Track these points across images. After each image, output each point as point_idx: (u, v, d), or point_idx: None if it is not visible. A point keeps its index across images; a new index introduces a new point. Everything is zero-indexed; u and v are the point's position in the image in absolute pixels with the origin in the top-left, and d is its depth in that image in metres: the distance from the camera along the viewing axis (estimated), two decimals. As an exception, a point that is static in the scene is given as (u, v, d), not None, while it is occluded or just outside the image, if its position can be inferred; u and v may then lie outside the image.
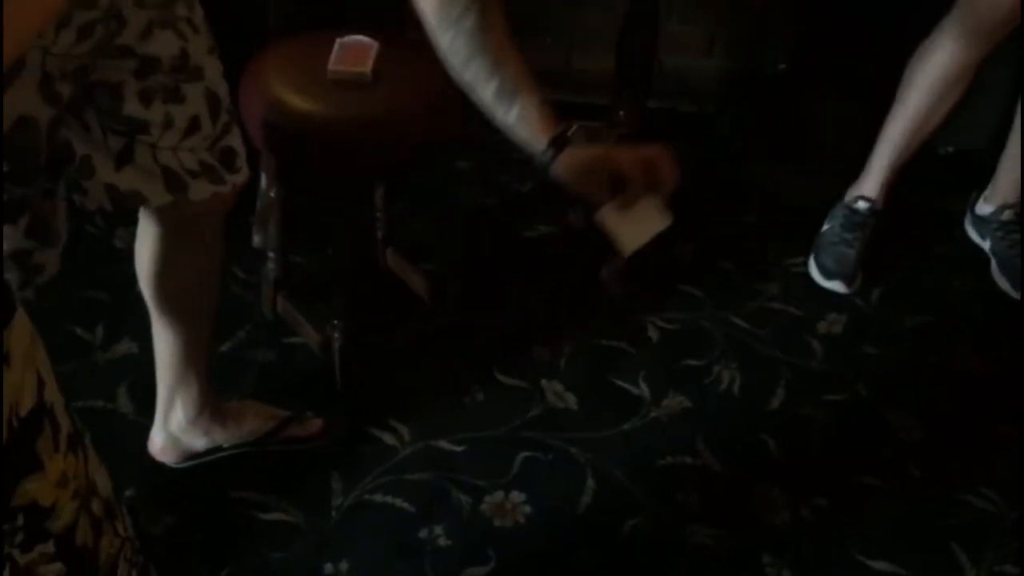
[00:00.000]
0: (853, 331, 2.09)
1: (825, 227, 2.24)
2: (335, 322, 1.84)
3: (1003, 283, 2.21)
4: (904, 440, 1.88)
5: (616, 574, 1.66)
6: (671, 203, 1.20)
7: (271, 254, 1.94)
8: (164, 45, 1.27)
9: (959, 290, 2.21)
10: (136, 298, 1.61)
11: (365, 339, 1.88)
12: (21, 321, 0.80)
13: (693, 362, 2.00)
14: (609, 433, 1.85)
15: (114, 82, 1.26)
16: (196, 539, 1.64)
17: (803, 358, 2.03)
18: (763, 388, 1.96)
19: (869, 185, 2.21)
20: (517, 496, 1.73)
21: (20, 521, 0.81)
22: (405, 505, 1.71)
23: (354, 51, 1.74)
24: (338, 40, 1.75)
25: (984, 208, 2.30)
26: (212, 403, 1.68)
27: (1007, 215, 2.25)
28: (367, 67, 1.70)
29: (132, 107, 1.28)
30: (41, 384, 0.82)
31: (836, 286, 2.17)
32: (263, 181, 1.92)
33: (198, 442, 1.69)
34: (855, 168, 2.23)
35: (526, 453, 1.80)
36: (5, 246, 1.24)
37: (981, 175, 2.31)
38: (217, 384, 1.73)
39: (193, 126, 1.34)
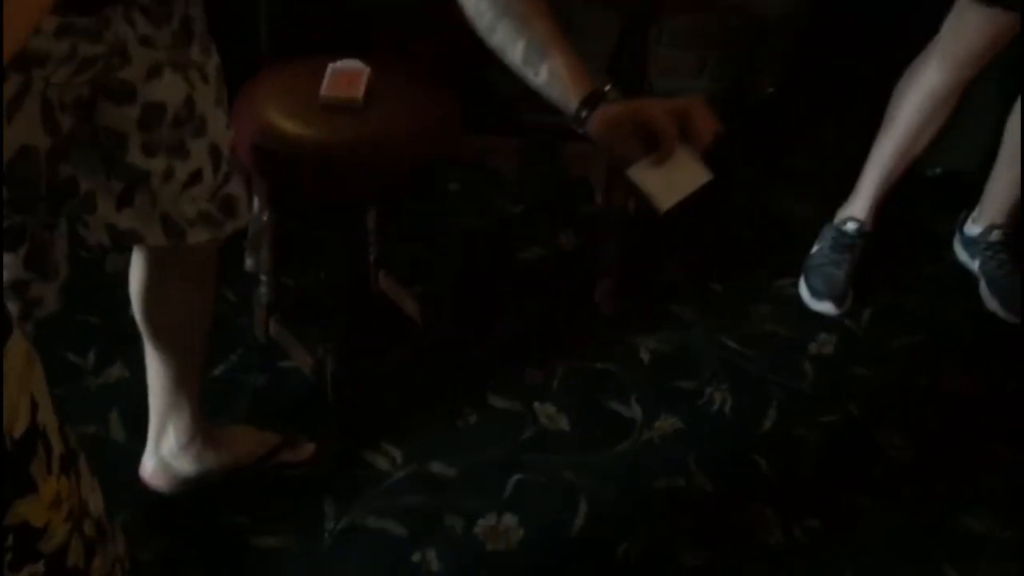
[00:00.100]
0: (844, 352, 2.10)
1: (815, 249, 2.26)
2: (328, 345, 1.84)
3: (992, 303, 2.23)
4: (895, 460, 1.89)
5: (610, 597, 1.66)
6: (711, 156, 1.12)
7: (263, 277, 1.94)
8: (170, 90, 1.27)
9: (948, 311, 2.22)
10: (128, 323, 1.61)
11: (358, 362, 1.88)
12: (17, 343, 0.80)
13: (685, 383, 2.01)
14: (602, 455, 1.86)
15: (119, 131, 1.26)
16: (188, 564, 1.64)
17: (794, 379, 2.04)
18: (755, 409, 1.96)
19: (858, 207, 2.23)
20: (510, 519, 1.73)
21: (10, 541, 0.81)
22: (398, 529, 1.70)
23: (346, 76, 1.75)
24: (330, 65, 1.76)
25: (973, 229, 2.31)
26: (204, 428, 1.68)
27: (995, 236, 2.27)
28: (359, 92, 1.71)
29: (135, 157, 1.28)
30: (35, 406, 0.82)
31: (826, 307, 2.18)
32: (255, 205, 1.92)
33: (190, 467, 1.69)
34: (844, 190, 2.25)
35: (519, 476, 1.80)
36: (5, 275, 1.24)
37: (969, 196, 2.33)
38: (210, 408, 1.73)
39: (194, 179, 1.34)
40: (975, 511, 1.80)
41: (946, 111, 2.09)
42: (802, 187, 2.43)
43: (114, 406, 1.85)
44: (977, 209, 2.31)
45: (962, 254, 2.34)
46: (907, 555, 1.73)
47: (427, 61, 2.11)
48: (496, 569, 1.65)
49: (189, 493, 1.70)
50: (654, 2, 2.09)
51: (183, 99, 1.29)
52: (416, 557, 1.66)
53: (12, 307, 1.29)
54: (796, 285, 2.23)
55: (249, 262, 2.04)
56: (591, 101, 1.09)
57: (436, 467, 1.80)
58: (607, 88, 1.11)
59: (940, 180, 2.50)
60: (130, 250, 1.52)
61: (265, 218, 1.88)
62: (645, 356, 2.06)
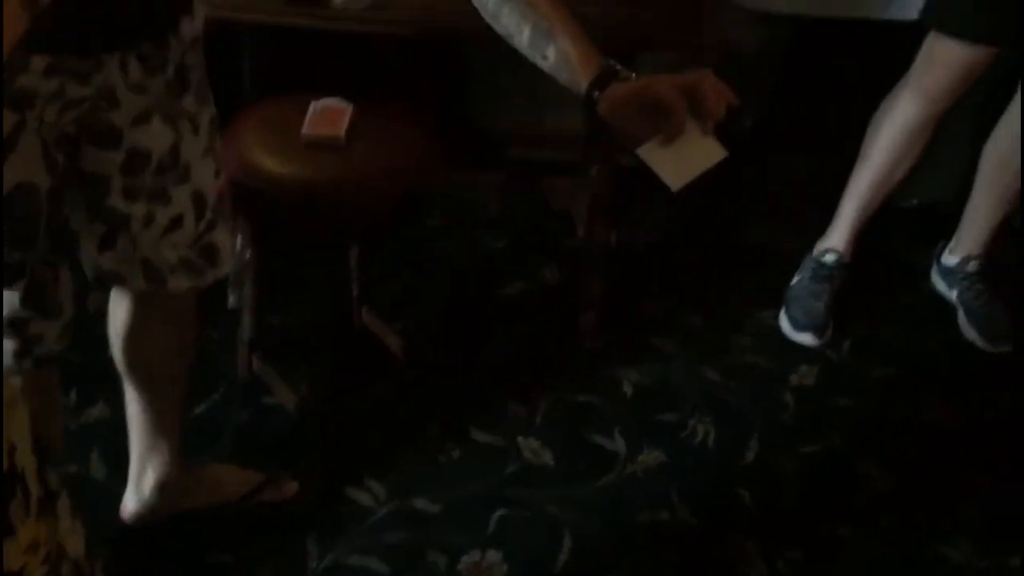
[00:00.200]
0: (824, 383, 2.12)
1: (794, 280, 2.28)
2: (311, 382, 1.84)
3: (970, 333, 2.25)
4: (875, 491, 1.90)
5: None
6: (725, 132, 1.08)
7: (246, 314, 1.95)
8: (157, 138, 1.27)
9: (926, 341, 2.24)
10: (110, 361, 1.61)
11: (341, 398, 1.88)
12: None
13: (668, 416, 2.02)
14: (586, 489, 1.86)
15: (102, 174, 1.26)
16: (170, 604, 1.63)
17: (776, 411, 2.05)
18: (737, 441, 1.97)
19: (836, 238, 2.25)
20: (494, 555, 1.73)
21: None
22: (381, 567, 1.70)
23: (328, 114, 1.77)
24: (313, 103, 1.78)
25: (950, 259, 2.34)
26: (185, 467, 1.68)
27: (972, 266, 2.29)
28: (341, 130, 1.73)
29: (116, 200, 1.29)
30: (12, 449, 0.83)
31: (806, 338, 2.20)
32: (238, 243, 1.93)
33: (171, 507, 1.68)
34: (823, 222, 2.28)
35: (502, 511, 1.80)
36: (4, 311, 1.24)
37: (946, 227, 2.36)
38: (192, 445, 1.73)
39: (175, 224, 1.34)
40: (954, 541, 1.81)
41: (921, 143, 2.12)
42: (781, 219, 2.45)
43: (95, 445, 1.84)
44: (954, 239, 2.34)
45: (940, 284, 2.36)
46: (888, 586, 1.74)
47: (409, 98, 2.13)
48: (480, 606, 1.65)
49: (171, 532, 1.70)
50: (632, 40, 2.12)
51: (169, 147, 1.29)
52: (400, 594, 1.66)
53: (9, 343, 1.29)
54: (777, 316, 2.25)
55: (232, 299, 2.04)
56: (600, 82, 1.06)
57: (419, 503, 1.80)
58: (618, 67, 1.07)
59: (917, 211, 2.53)
60: (108, 287, 1.52)
61: (248, 255, 1.89)
62: (628, 389, 2.07)
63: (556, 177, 2.40)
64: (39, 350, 1.30)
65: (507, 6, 1.08)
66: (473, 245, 2.39)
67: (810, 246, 2.28)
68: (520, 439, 1.94)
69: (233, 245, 1.45)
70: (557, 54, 1.07)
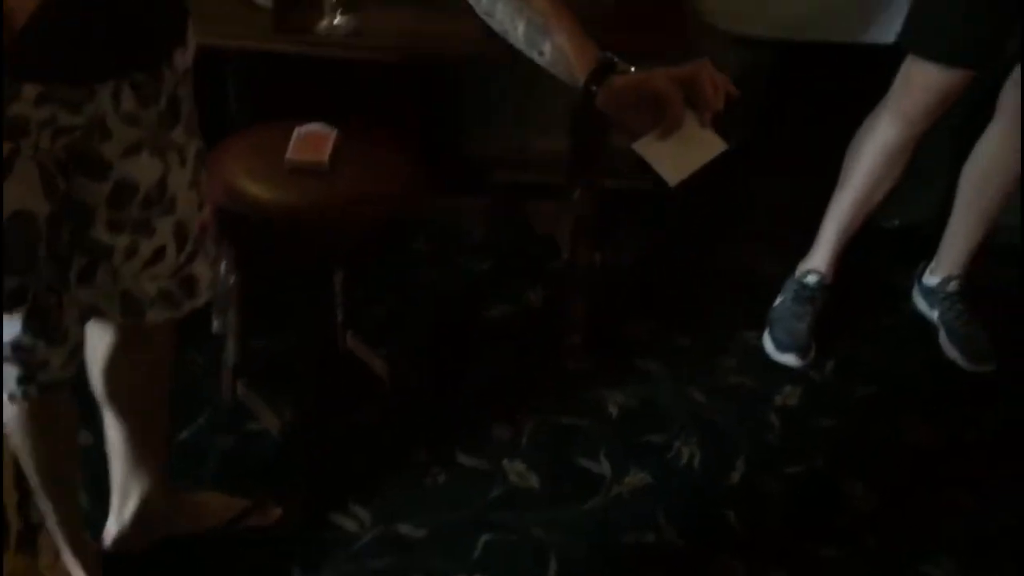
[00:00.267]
0: (808, 403, 2.13)
1: (777, 301, 2.29)
2: (295, 407, 1.84)
3: (952, 352, 2.27)
4: (859, 510, 1.90)
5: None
6: (724, 124, 1.06)
7: (231, 340, 1.94)
8: (146, 171, 1.27)
9: (908, 360, 2.25)
10: (90, 389, 1.61)
11: (325, 423, 1.88)
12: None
13: (654, 437, 2.02)
14: (572, 512, 1.86)
15: (88, 205, 1.26)
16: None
17: (761, 431, 2.06)
18: (723, 462, 1.98)
19: (818, 260, 2.27)
20: (480, 580, 1.73)
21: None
22: (366, 593, 1.69)
23: (312, 140, 1.78)
24: (297, 128, 1.79)
25: (931, 279, 2.36)
26: (168, 494, 1.67)
27: (953, 286, 2.31)
28: (324, 156, 1.74)
29: (100, 232, 1.28)
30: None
31: (790, 359, 2.21)
32: (223, 268, 1.93)
33: (154, 534, 1.67)
34: (805, 243, 2.30)
35: (488, 535, 1.80)
36: (5, 337, 1.23)
37: (926, 247, 2.38)
38: (177, 471, 1.72)
39: (157, 256, 1.34)
40: (936, 559, 1.82)
41: (900, 165, 2.15)
42: (764, 241, 2.47)
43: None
44: (935, 260, 2.36)
45: (921, 304, 2.38)
46: (873, 605, 1.74)
47: (393, 123, 2.14)
48: (466, 630, 1.65)
49: (154, 559, 1.68)
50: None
51: (157, 180, 1.28)
52: (385, 620, 1.65)
53: (13, 369, 1.28)
54: (761, 337, 2.26)
55: (216, 324, 2.04)
56: (598, 75, 1.05)
57: (404, 528, 1.80)
58: (615, 60, 1.06)
59: (898, 232, 2.55)
60: (87, 320, 1.51)
61: (232, 280, 1.89)
62: (613, 410, 2.07)
63: (540, 201, 2.42)
64: (43, 376, 1.29)
65: (500, 5, 1.07)
66: (458, 269, 2.40)
67: (793, 267, 2.30)
68: (505, 462, 1.94)
69: (213, 275, 1.45)
70: (553, 49, 1.06)
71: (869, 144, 2.15)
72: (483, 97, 2.55)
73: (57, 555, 0.91)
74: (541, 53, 1.07)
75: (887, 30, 2.16)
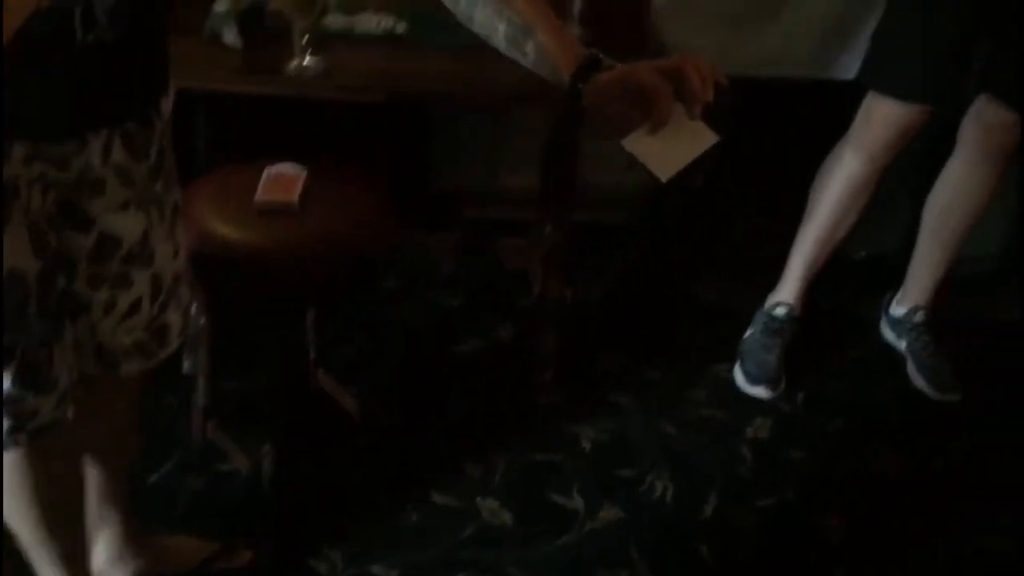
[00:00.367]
0: (779, 435, 2.14)
1: (747, 334, 2.31)
2: (266, 447, 1.83)
3: (919, 382, 2.29)
4: (830, 542, 1.91)
5: None
6: (715, 118, 1.03)
7: (201, 380, 1.93)
8: (130, 227, 1.26)
9: (876, 391, 2.28)
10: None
11: (296, 463, 1.87)
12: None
13: (626, 472, 2.02)
14: (545, 548, 1.86)
15: (69, 258, 1.25)
16: None
17: (733, 464, 2.07)
18: (695, 495, 1.98)
19: (786, 292, 2.29)
20: (454, 619, 1.72)
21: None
22: (339, 635, 1.68)
23: (282, 180, 1.78)
24: (267, 169, 1.79)
25: (898, 310, 2.39)
26: (136, 538, 1.65)
27: (919, 317, 2.34)
28: (294, 196, 1.74)
29: (80, 286, 1.27)
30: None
31: (760, 391, 2.23)
32: (193, 309, 1.92)
33: (123, 579, 1.66)
34: (774, 276, 2.32)
35: (462, 575, 1.79)
36: None
37: (893, 277, 2.41)
38: (146, 512, 1.70)
39: (134, 309, 1.33)
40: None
41: (864, 197, 2.18)
42: (733, 274, 2.50)
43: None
44: (901, 291, 2.39)
45: (889, 334, 2.41)
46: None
47: (363, 161, 2.15)
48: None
49: (124, 605, 1.67)
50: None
51: (140, 235, 1.28)
52: (358, 663, 1.64)
53: (2, 421, 1.26)
54: (731, 370, 2.28)
55: (187, 364, 2.03)
56: (583, 73, 1.03)
57: (377, 569, 1.78)
58: (600, 56, 1.04)
59: (865, 263, 2.58)
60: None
61: (203, 321, 1.89)
62: (586, 445, 2.08)
63: (510, 236, 2.43)
64: (32, 424, 1.27)
65: (478, 8, 1.06)
66: (428, 305, 2.40)
67: (762, 300, 2.33)
68: (478, 500, 1.93)
69: (184, 322, 1.44)
70: (537, 49, 1.04)
71: (834, 178, 2.19)
72: (452, 134, 2.57)
73: None
74: (524, 54, 1.06)
75: (848, 67, 2.20)
